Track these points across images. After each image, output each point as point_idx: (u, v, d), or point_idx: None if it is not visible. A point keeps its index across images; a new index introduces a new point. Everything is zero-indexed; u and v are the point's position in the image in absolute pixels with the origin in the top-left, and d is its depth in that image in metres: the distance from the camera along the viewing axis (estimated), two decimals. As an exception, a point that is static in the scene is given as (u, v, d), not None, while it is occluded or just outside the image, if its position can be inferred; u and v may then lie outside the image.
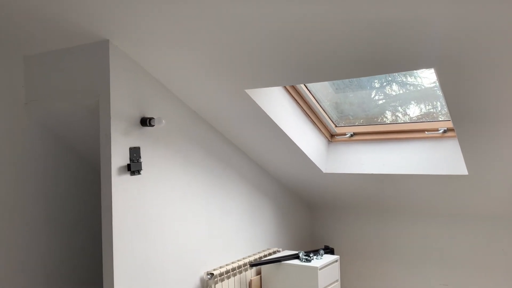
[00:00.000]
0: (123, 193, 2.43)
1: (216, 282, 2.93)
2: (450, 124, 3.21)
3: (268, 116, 2.93)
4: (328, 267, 3.26)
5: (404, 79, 3.48)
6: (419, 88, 3.47)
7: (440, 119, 3.33)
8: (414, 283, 3.93)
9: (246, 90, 2.66)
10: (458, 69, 2.20)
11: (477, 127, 2.64)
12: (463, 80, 2.27)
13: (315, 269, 3.12)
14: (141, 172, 2.53)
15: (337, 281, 3.36)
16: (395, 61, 2.23)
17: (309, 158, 3.45)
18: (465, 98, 2.41)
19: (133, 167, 2.46)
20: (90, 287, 3.10)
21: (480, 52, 2.02)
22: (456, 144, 3.18)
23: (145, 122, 2.53)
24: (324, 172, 3.64)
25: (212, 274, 2.93)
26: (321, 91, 3.42)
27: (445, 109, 3.31)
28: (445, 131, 3.23)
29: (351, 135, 3.58)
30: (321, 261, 3.25)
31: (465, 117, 2.57)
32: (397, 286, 4.01)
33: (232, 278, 3.08)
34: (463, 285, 3.74)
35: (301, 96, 3.31)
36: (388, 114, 3.60)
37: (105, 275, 2.40)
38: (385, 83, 3.55)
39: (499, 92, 2.30)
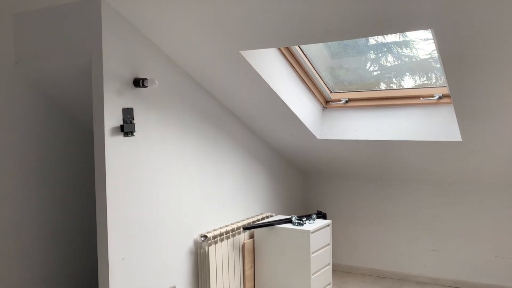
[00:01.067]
0: (117, 154, 2.41)
1: (209, 245, 2.96)
2: (445, 91, 3.21)
3: (263, 79, 2.90)
4: (320, 231, 3.30)
5: (400, 50, 3.44)
6: (414, 60, 3.44)
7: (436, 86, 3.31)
8: (405, 249, 4.01)
9: (241, 52, 2.62)
10: (456, 31, 2.17)
11: (474, 93, 2.63)
12: (461, 43, 2.25)
13: (307, 232, 3.16)
14: (134, 133, 2.51)
15: (328, 245, 3.41)
16: (393, 21, 2.19)
17: (303, 124, 3.44)
18: (463, 62, 2.39)
19: (126, 128, 2.44)
20: (85, 249, 3.13)
21: (479, 12, 1.99)
22: (451, 110, 3.18)
23: (138, 83, 2.49)
24: (318, 138, 3.64)
25: (206, 236, 2.96)
26: (317, 56, 3.38)
27: (440, 81, 3.30)
28: (440, 98, 3.22)
29: (346, 101, 3.57)
30: (313, 225, 3.29)
31: (461, 82, 2.56)
32: (388, 251, 4.08)
33: (225, 241, 3.11)
34: (453, 250, 3.82)
35: (297, 60, 3.28)
36: (383, 86, 3.58)
37: (99, 237, 2.41)
38: (380, 54, 3.52)
39: (497, 56, 2.27)
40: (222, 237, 3.09)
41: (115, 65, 2.39)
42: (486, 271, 3.69)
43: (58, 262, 2.96)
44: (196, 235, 3.00)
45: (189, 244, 2.95)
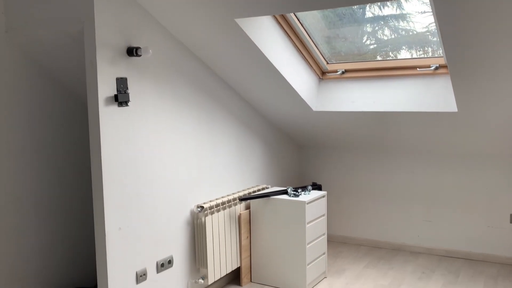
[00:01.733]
0: (111, 124, 2.39)
1: (206, 215, 2.98)
2: (442, 61, 3.18)
3: (258, 48, 2.86)
4: (316, 202, 3.32)
5: (396, 24, 3.40)
6: (411, 33, 3.40)
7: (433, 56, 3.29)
8: (398, 219, 4.06)
9: (236, 20, 2.57)
10: (454, -2, 2.14)
11: (471, 63, 2.61)
12: (459, 11, 2.21)
13: (302, 203, 3.18)
14: (129, 104, 2.49)
15: (323, 215, 3.44)
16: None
17: (299, 96, 3.42)
18: (461, 31, 2.36)
19: (121, 98, 2.41)
20: (82, 219, 3.14)
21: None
22: (447, 81, 3.17)
23: (132, 51, 2.45)
24: (314, 110, 3.63)
25: (202, 207, 2.98)
26: (314, 26, 3.33)
27: (437, 54, 3.26)
28: (437, 68, 3.20)
29: (343, 72, 3.54)
30: (308, 196, 3.31)
31: (459, 52, 2.54)
32: (382, 222, 4.13)
33: (222, 212, 3.13)
34: (446, 221, 3.87)
35: (293, 30, 3.23)
36: (379, 59, 3.55)
37: (95, 206, 2.41)
38: (377, 28, 3.47)
39: (496, 25, 2.25)
40: (218, 208, 3.10)
41: (107, 33, 2.35)
42: (479, 241, 3.75)
43: (55, 232, 2.97)
44: (192, 206, 3.01)
45: (186, 214, 2.96)
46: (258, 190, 3.56)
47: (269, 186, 3.83)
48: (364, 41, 3.60)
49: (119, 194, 2.47)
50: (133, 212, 2.56)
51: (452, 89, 2.97)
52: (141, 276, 2.61)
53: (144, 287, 2.64)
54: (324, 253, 3.46)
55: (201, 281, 3.02)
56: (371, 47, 3.62)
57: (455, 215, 3.83)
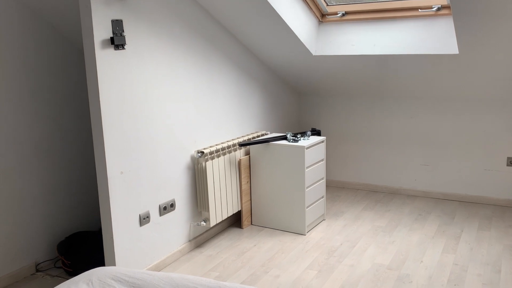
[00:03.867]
0: (108, 68, 2.36)
1: (206, 160, 3.01)
2: (444, 1, 3.11)
3: (256, -11, 2.78)
4: (315, 147, 3.35)
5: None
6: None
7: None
8: (396, 164, 4.11)
9: (233, -42, 2.48)
10: None
11: (474, 3, 2.54)
12: None
13: (302, 148, 3.21)
14: (125, 47, 2.45)
15: (322, 160, 3.48)
16: None
17: (298, 39, 3.36)
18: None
19: (117, 40, 2.37)
20: (83, 165, 3.17)
21: None
22: (449, 22, 3.11)
23: (127, -8, 2.38)
24: (313, 54, 3.57)
25: (202, 152, 3.00)
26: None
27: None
28: (439, 9, 3.13)
29: (343, 15, 3.46)
30: (308, 141, 3.33)
31: (462, -11, 2.47)
32: (379, 167, 4.18)
33: (222, 157, 3.16)
34: (443, 165, 3.92)
35: (292, -30, 3.12)
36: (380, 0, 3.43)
37: (96, 151, 2.43)
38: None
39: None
40: (218, 153, 3.13)
41: (101, -27, 2.27)
42: (475, 184, 3.82)
43: (58, 177, 3.01)
44: (192, 151, 3.04)
45: (186, 159, 2.99)
46: (258, 136, 3.58)
47: (268, 132, 3.85)
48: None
49: (120, 139, 2.48)
50: (134, 156, 2.58)
51: (453, 31, 2.92)
52: (144, 219, 2.67)
53: (147, 229, 2.71)
54: (322, 197, 3.52)
55: (203, 223, 3.10)
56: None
57: (452, 159, 3.87)
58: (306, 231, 3.31)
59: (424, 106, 3.90)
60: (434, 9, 3.12)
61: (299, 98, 4.46)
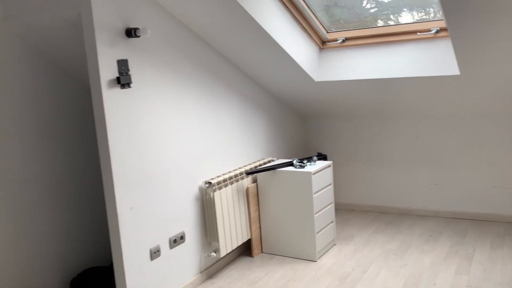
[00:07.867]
0: (115, 106, 2.42)
1: (214, 190, 3.03)
2: (442, 24, 3.15)
3: (256, 22, 2.84)
4: (321, 172, 3.36)
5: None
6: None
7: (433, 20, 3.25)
8: (404, 184, 4.10)
9: (233, -6, 2.55)
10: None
11: (471, 25, 2.58)
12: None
13: (309, 174, 3.22)
14: (131, 85, 2.51)
15: (330, 185, 3.49)
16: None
17: (300, 67, 3.41)
18: (459, -8, 2.33)
19: (123, 80, 2.43)
20: (93, 202, 3.21)
21: None
22: (448, 44, 3.15)
23: (130, 33, 2.45)
24: (316, 80, 3.62)
25: (210, 183, 3.03)
26: (311, -5, 3.29)
27: (438, 15, 3.23)
28: (437, 32, 3.17)
29: (343, 41, 3.52)
30: (314, 166, 3.35)
31: (459, 13, 2.51)
32: (388, 188, 4.18)
33: (229, 186, 3.18)
34: (452, 183, 3.90)
35: (291, 1, 3.20)
36: (380, 24, 3.50)
37: (105, 188, 2.46)
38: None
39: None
40: (226, 183, 3.15)
41: (105, 16, 2.34)
42: (485, 201, 3.80)
43: (68, 214, 3.04)
44: (200, 182, 3.06)
45: (195, 191, 3.01)
46: (264, 163, 3.61)
47: (275, 158, 3.87)
48: (364, 5, 3.55)
49: (128, 175, 2.51)
50: (143, 191, 2.61)
51: (453, 52, 2.95)
52: (155, 253, 2.69)
53: (158, 263, 2.72)
54: (332, 222, 3.52)
55: (213, 254, 3.10)
56: (372, 11, 3.57)
57: (460, 177, 3.86)
58: (317, 257, 3.30)
59: (429, 125, 3.91)
60: (433, 32, 3.17)
61: (304, 123, 4.49)
